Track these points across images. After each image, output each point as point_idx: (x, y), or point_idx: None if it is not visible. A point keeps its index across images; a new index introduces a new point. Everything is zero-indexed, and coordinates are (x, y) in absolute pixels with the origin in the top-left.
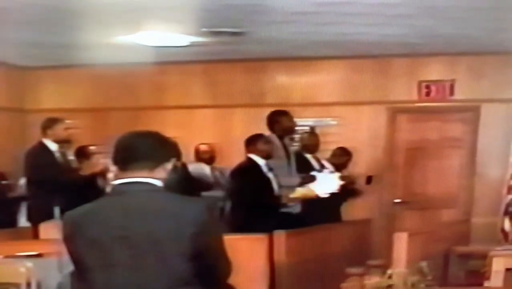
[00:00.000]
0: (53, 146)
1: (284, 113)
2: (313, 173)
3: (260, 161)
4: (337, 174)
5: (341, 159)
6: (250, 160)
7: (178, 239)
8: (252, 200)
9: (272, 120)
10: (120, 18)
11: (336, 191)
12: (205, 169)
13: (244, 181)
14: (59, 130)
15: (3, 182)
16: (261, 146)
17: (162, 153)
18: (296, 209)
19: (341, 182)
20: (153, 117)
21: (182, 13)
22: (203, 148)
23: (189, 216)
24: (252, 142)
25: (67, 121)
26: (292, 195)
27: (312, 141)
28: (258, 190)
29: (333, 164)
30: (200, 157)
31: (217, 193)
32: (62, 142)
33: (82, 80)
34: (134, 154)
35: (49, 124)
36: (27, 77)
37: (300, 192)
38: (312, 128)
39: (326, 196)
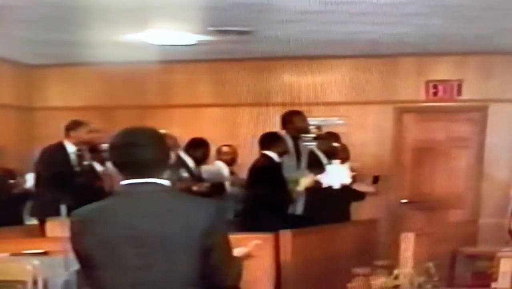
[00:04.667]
0: (71, 148)
1: (297, 113)
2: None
3: (277, 159)
4: (347, 165)
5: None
6: (267, 157)
7: (187, 239)
8: (273, 197)
9: (285, 120)
10: (127, 17)
11: (349, 182)
12: (223, 169)
13: (266, 178)
14: (82, 133)
15: (11, 181)
16: (278, 144)
17: (165, 158)
18: (299, 208)
19: (352, 173)
20: (159, 115)
21: (189, 12)
22: (225, 149)
23: (198, 216)
24: (268, 140)
25: (91, 125)
26: (299, 188)
27: (330, 143)
28: (279, 186)
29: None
30: (221, 157)
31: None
32: (83, 144)
33: (89, 78)
34: (139, 168)
35: (73, 126)
36: (35, 75)
37: (303, 183)
38: (318, 126)
39: (339, 186)
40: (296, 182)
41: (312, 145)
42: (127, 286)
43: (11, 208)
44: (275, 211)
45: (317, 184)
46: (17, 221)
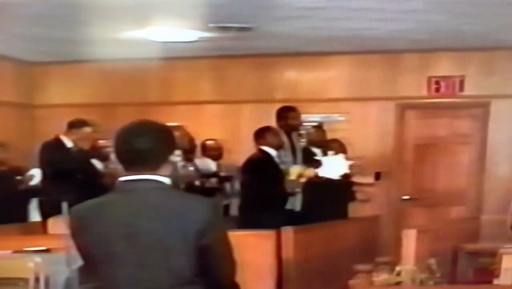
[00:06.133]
0: (69, 143)
1: (291, 109)
2: (317, 158)
3: (273, 152)
4: (343, 155)
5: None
6: (262, 151)
7: (184, 237)
8: (268, 191)
9: (279, 116)
10: (128, 14)
11: (347, 172)
12: (211, 165)
13: (261, 172)
14: (84, 133)
15: (18, 177)
16: (271, 137)
17: (166, 149)
18: (297, 205)
19: (349, 162)
20: (160, 112)
21: (190, 9)
22: (210, 144)
23: (195, 214)
24: (262, 134)
25: (95, 127)
26: (289, 178)
27: (318, 136)
28: (275, 181)
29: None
30: (207, 153)
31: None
32: (82, 143)
33: (90, 75)
34: (138, 156)
35: (77, 125)
36: (36, 72)
37: (295, 171)
38: (319, 123)
39: (338, 178)
40: (287, 173)
41: (303, 142)
42: (125, 282)
43: (16, 204)
44: (270, 207)
45: (317, 177)
46: (22, 217)
